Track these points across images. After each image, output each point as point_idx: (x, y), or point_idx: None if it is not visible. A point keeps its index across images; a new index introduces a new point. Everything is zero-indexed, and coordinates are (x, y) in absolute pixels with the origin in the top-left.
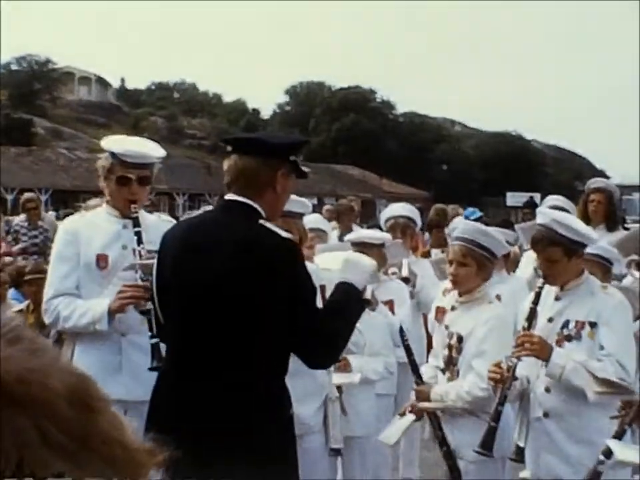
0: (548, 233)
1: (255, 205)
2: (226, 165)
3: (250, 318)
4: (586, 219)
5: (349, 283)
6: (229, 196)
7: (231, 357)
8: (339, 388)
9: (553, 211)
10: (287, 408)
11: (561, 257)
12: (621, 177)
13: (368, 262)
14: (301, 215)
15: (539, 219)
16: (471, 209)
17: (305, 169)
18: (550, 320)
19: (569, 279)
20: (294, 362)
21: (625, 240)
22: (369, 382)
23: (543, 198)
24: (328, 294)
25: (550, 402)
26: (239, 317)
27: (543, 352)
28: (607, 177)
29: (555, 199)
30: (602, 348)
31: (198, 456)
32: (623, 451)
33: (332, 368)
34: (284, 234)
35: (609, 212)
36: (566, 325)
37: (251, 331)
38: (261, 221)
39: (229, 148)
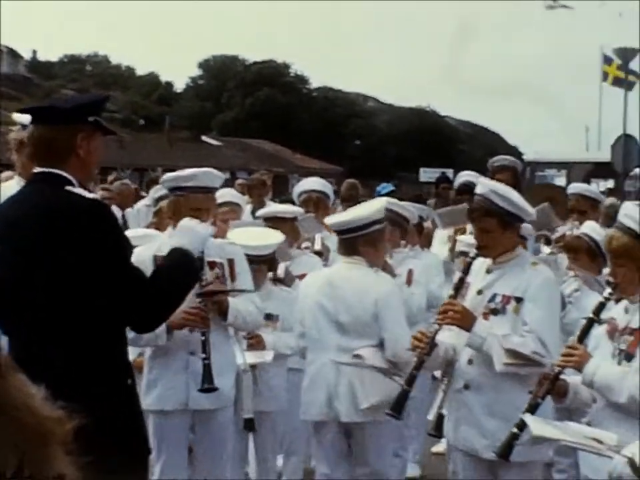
0: (485, 203)
1: (61, 173)
2: (25, 137)
3: (69, 285)
4: None
5: (180, 248)
6: (36, 168)
7: (63, 325)
8: (253, 366)
9: (492, 182)
10: (125, 377)
11: (495, 228)
12: (534, 153)
13: (201, 227)
14: (214, 189)
15: (478, 189)
16: (383, 184)
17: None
18: (479, 292)
19: (502, 252)
20: (213, 336)
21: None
22: (281, 357)
23: (456, 174)
24: (237, 268)
25: (471, 374)
26: (57, 286)
27: (465, 321)
28: (520, 153)
29: (467, 174)
30: (526, 324)
31: None
32: (539, 426)
33: (244, 344)
34: (90, 195)
35: (515, 189)
36: (493, 298)
37: (74, 298)
38: (67, 187)
39: (29, 119)
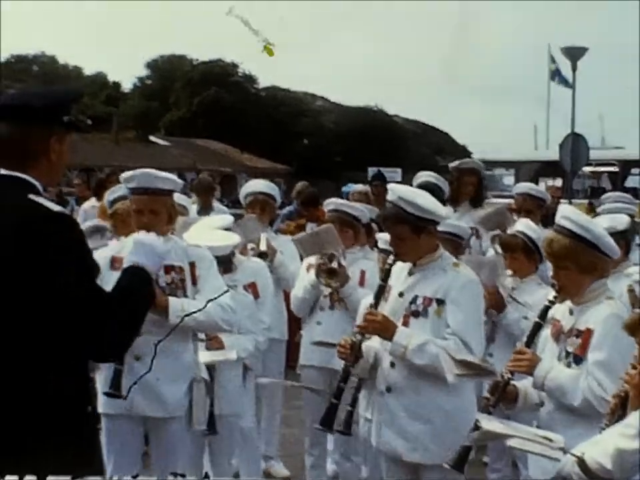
0: (395, 211)
1: (26, 177)
2: None
3: (26, 307)
4: (456, 197)
5: (140, 267)
6: None
7: (8, 352)
8: (211, 367)
9: (401, 188)
10: (85, 404)
11: (409, 235)
12: (482, 153)
13: (158, 243)
14: (170, 192)
15: (388, 196)
16: (349, 184)
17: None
18: (401, 294)
19: (421, 255)
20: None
21: (488, 216)
22: (238, 360)
23: (405, 172)
24: (198, 272)
25: (393, 377)
26: (11, 306)
27: (385, 331)
28: (469, 152)
29: (427, 175)
30: (449, 326)
31: None
32: (490, 423)
33: (202, 346)
34: (56, 208)
35: (478, 191)
36: (414, 300)
37: (31, 320)
38: (31, 196)
39: None
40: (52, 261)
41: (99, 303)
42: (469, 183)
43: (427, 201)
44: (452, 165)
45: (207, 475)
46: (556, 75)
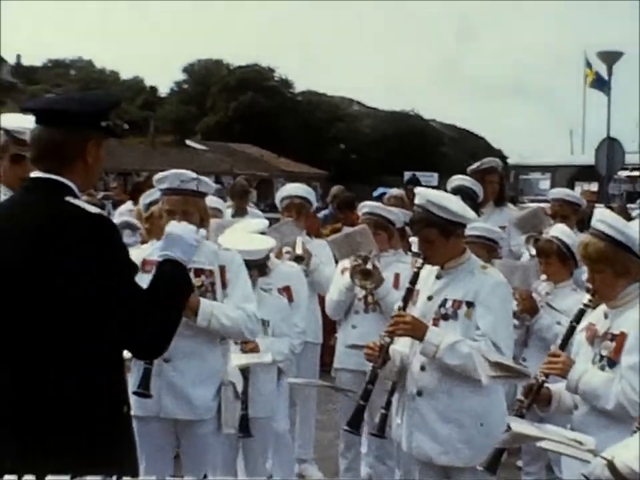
0: (424, 214)
1: (63, 180)
2: (29, 137)
3: (60, 307)
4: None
5: (173, 260)
6: (35, 173)
7: (45, 352)
8: (245, 369)
9: (429, 192)
10: (120, 405)
11: (437, 238)
12: (518, 157)
13: (191, 232)
14: (203, 195)
15: (416, 200)
16: (380, 189)
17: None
18: (429, 298)
19: (449, 258)
20: (186, 345)
21: (524, 217)
22: (272, 363)
23: (441, 177)
24: (228, 275)
25: (424, 380)
26: (47, 307)
27: (416, 331)
28: (505, 157)
29: (461, 178)
30: (479, 328)
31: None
32: (520, 425)
33: (234, 349)
34: (92, 209)
35: (501, 190)
36: (443, 303)
37: (63, 321)
38: (67, 198)
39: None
40: (90, 261)
41: (137, 300)
42: (492, 182)
43: (455, 204)
44: (470, 168)
45: (205, 475)
46: (594, 79)
